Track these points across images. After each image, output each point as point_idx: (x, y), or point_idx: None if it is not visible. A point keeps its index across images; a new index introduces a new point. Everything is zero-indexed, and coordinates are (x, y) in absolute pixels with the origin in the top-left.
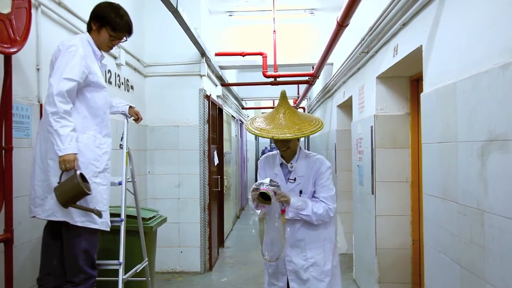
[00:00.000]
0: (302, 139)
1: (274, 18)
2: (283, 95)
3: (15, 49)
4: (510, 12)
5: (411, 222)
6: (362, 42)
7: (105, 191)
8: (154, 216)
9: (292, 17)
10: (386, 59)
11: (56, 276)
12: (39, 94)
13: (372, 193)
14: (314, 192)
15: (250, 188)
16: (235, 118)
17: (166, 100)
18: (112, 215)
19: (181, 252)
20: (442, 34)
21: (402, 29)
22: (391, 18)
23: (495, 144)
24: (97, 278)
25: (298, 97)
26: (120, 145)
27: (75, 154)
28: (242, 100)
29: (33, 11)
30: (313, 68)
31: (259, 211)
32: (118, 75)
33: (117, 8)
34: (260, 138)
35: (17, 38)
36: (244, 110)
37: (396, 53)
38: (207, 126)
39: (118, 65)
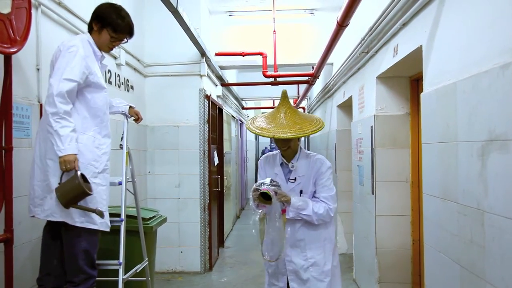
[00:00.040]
0: (302, 139)
1: (274, 18)
2: (284, 95)
3: (15, 49)
4: (510, 12)
5: (411, 222)
6: (362, 42)
7: (104, 191)
8: (154, 216)
9: (292, 17)
10: (386, 59)
11: (56, 276)
12: (39, 94)
13: (372, 193)
14: (315, 192)
15: (251, 188)
16: (235, 118)
17: (166, 100)
18: (112, 215)
19: (181, 252)
20: (442, 34)
21: (402, 29)
22: (391, 18)
23: (495, 144)
24: (97, 278)
25: (298, 97)
26: (120, 145)
27: (75, 154)
28: (242, 100)
29: (33, 11)
30: (313, 68)
31: (259, 211)
32: (118, 75)
33: (119, 10)
34: (260, 138)
35: (17, 38)
36: (244, 110)
37: (396, 53)
38: (207, 126)
39: (118, 65)
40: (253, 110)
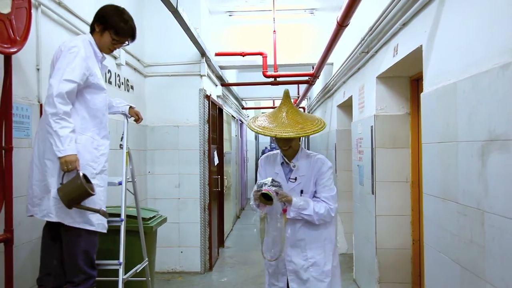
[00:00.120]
0: (302, 139)
1: (274, 18)
2: (286, 94)
3: (15, 49)
4: (510, 12)
5: (411, 222)
6: (362, 42)
7: (102, 192)
8: (154, 216)
9: (292, 17)
10: (386, 59)
11: (56, 276)
12: (39, 94)
13: (372, 193)
14: (315, 192)
15: (251, 188)
16: (235, 118)
17: (166, 100)
18: (112, 215)
19: (181, 252)
20: (442, 34)
21: (402, 29)
22: (391, 18)
23: (495, 144)
24: (97, 278)
25: (298, 97)
26: (120, 145)
27: (75, 155)
28: (242, 100)
29: (33, 11)
30: (313, 68)
31: (260, 211)
32: (118, 75)
33: (122, 13)
34: (260, 138)
35: (17, 38)
36: (244, 110)
37: (396, 53)
38: (207, 126)
39: (118, 65)
40: (253, 110)
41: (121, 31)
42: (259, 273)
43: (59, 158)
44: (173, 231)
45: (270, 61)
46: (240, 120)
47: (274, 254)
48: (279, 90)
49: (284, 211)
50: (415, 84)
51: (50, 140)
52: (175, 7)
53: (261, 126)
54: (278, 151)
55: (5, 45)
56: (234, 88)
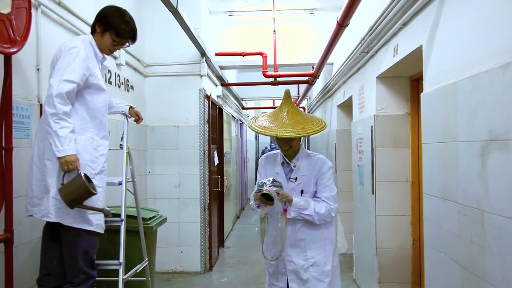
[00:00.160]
0: (302, 139)
1: (274, 18)
2: (287, 94)
3: (15, 49)
4: (510, 12)
5: (411, 222)
6: (362, 42)
7: (101, 193)
8: (154, 216)
9: (292, 17)
10: (386, 59)
11: (56, 276)
12: (39, 94)
13: (372, 193)
14: (315, 191)
15: (251, 188)
16: (235, 118)
17: (166, 100)
18: (112, 215)
19: (181, 252)
20: (442, 34)
21: (402, 29)
22: (391, 18)
23: (495, 144)
24: (97, 278)
25: (298, 97)
26: (120, 145)
27: (75, 154)
28: (242, 100)
29: (33, 11)
30: (313, 68)
31: (260, 211)
32: (118, 75)
33: (123, 14)
34: (260, 138)
35: (17, 38)
36: (244, 110)
37: (396, 53)
38: (207, 126)
39: (118, 65)
40: (253, 110)
41: (122, 32)
42: (259, 273)
43: (59, 158)
44: (173, 231)
45: (270, 61)
46: (240, 120)
47: (274, 254)
48: (279, 90)
49: (285, 211)
50: (415, 84)
51: (49, 140)
52: (175, 7)
53: (262, 126)
54: (279, 151)
55: (5, 45)
56: (234, 88)
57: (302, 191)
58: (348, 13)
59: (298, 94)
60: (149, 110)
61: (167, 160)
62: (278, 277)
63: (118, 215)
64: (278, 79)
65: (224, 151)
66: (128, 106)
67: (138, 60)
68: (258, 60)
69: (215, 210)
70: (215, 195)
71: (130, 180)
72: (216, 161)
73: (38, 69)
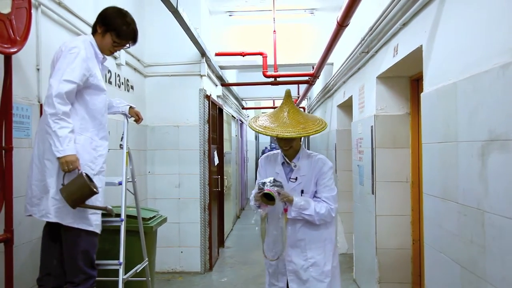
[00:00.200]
0: (302, 139)
1: (274, 18)
2: (288, 94)
3: (15, 49)
4: (510, 12)
5: (411, 222)
6: (362, 42)
7: (100, 194)
8: (154, 216)
9: (292, 17)
10: (386, 59)
11: (56, 276)
12: (39, 94)
13: (372, 193)
14: (316, 192)
15: (251, 188)
16: (235, 118)
17: (166, 100)
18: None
19: (181, 252)
20: (442, 34)
21: (402, 29)
22: (391, 18)
23: (496, 144)
24: (97, 278)
25: (298, 97)
26: (120, 145)
27: (75, 154)
28: (242, 100)
29: (33, 11)
30: (313, 68)
31: (261, 211)
32: (118, 75)
33: (125, 15)
34: (260, 138)
35: (17, 38)
36: (244, 110)
37: (396, 53)
38: (207, 126)
39: (118, 65)
40: (253, 110)
41: (122, 33)
42: (259, 273)
43: (58, 158)
44: (173, 231)
45: (270, 61)
46: (240, 120)
47: (275, 253)
48: (279, 90)
49: (285, 211)
50: (415, 84)
51: (49, 140)
52: (175, 7)
53: (263, 125)
54: (279, 151)
55: (5, 45)
56: (234, 88)
57: (302, 191)
58: (348, 13)
59: (298, 94)
60: (149, 110)
61: (167, 160)
62: (278, 277)
63: (118, 215)
64: (278, 79)
65: (224, 151)
66: (128, 106)
67: (138, 60)
68: (258, 60)
69: (215, 210)
70: (215, 195)
71: (130, 180)
72: (216, 161)
73: (38, 69)
